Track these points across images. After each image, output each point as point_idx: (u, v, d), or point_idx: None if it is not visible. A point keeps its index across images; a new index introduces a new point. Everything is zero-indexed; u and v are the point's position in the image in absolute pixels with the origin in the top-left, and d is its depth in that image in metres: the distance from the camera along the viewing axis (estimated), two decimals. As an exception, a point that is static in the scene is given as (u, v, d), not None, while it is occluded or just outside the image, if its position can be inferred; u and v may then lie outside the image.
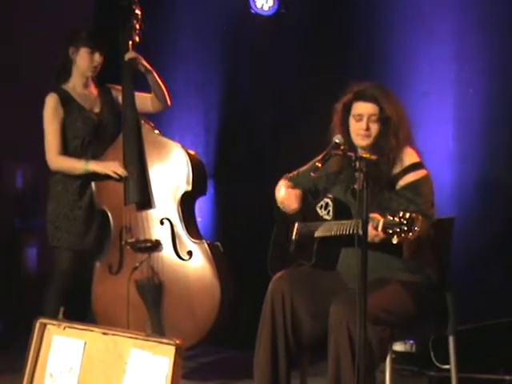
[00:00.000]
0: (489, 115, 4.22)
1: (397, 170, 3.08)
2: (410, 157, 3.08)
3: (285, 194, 3.29)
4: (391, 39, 4.43)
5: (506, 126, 4.18)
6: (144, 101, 4.01)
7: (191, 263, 3.87)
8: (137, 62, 3.92)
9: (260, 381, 3.09)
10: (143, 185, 3.91)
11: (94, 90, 4.02)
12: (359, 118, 3.09)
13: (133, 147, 3.92)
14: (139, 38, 3.98)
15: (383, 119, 3.06)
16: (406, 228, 2.66)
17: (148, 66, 3.95)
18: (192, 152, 4.03)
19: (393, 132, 3.07)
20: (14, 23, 5.01)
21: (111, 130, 3.99)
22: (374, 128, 3.08)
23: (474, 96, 4.25)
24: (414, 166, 3.06)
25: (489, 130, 4.22)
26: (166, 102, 4.05)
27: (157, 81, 3.98)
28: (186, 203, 3.96)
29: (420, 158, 3.10)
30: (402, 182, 3.05)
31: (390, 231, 2.69)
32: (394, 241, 2.69)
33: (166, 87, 4.03)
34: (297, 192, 3.26)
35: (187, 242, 3.89)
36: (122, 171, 3.88)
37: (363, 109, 3.08)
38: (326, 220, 3.17)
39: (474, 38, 4.26)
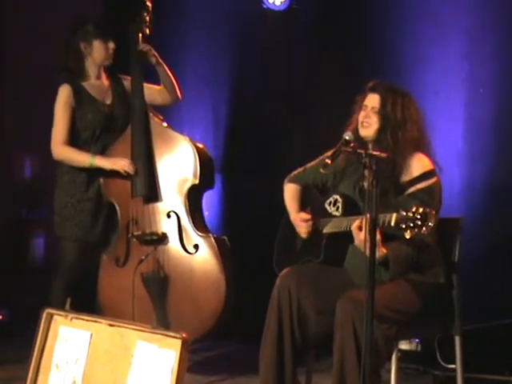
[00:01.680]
0: (499, 115, 4.20)
1: (405, 178, 3.06)
2: (419, 164, 3.05)
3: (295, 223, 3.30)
4: (403, 37, 4.42)
5: (515, 127, 4.17)
6: (153, 92, 4.00)
7: (197, 257, 3.86)
8: (149, 54, 3.91)
9: (265, 376, 3.08)
10: (150, 178, 3.91)
11: (105, 81, 4.01)
12: (365, 107, 3.14)
13: (141, 139, 3.91)
14: (149, 31, 3.97)
15: (383, 115, 3.08)
16: (419, 223, 2.64)
17: (159, 58, 3.95)
18: (200, 145, 4.03)
19: (391, 130, 3.07)
20: (24, 15, 5.02)
21: (122, 121, 3.98)
22: (374, 120, 3.10)
23: (485, 96, 4.23)
24: (425, 176, 3.04)
25: (498, 130, 4.21)
26: (176, 94, 4.04)
27: (167, 73, 3.97)
28: (193, 196, 3.95)
29: (433, 166, 3.07)
30: (412, 189, 3.03)
31: (403, 226, 2.68)
32: (407, 236, 2.68)
33: (176, 81, 4.03)
34: (305, 217, 3.26)
35: (193, 235, 3.88)
36: (131, 169, 3.86)
37: (369, 100, 3.14)
38: (335, 216, 3.16)
39: (486, 37, 4.24)
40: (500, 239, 4.09)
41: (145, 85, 3.96)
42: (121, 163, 3.86)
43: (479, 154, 4.25)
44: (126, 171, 3.87)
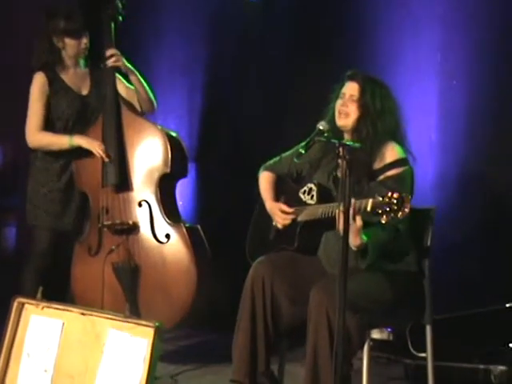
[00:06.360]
0: (472, 107, 4.22)
1: (377, 165, 3.06)
2: (392, 153, 3.06)
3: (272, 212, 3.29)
4: (377, 28, 4.43)
5: (488, 118, 4.18)
6: (131, 95, 3.95)
7: (168, 246, 3.84)
8: (119, 65, 3.85)
9: (238, 365, 3.08)
10: (121, 166, 3.87)
11: (84, 71, 3.97)
12: (343, 95, 3.13)
13: (112, 128, 3.87)
14: (122, 18, 3.94)
15: (363, 104, 3.08)
16: (395, 207, 2.64)
17: (130, 67, 3.89)
18: (173, 134, 4.00)
19: (370, 120, 3.07)
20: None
21: (98, 112, 3.92)
22: (353, 109, 3.09)
23: (458, 87, 4.25)
24: (397, 163, 3.04)
25: (471, 121, 4.23)
26: (151, 104, 3.96)
27: (140, 82, 3.91)
28: (165, 185, 3.92)
29: (405, 154, 3.08)
30: (383, 177, 3.04)
31: (380, 211, 2.68)
32: (383, 220, 2.67)
33: (151, 84, 3.96)
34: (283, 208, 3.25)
35: (164, 224, 3.86)
36: (104, 154, 3.81)
37: (348, 88, 3.13)
38: (310, 205, 3.16)
39: (460, 28, 4.25)
40: (472, 228, 4.13)
41: (123, 85, 3.92)
42: (97, 144, 3.82)
43: (452, 145, 4.27)
44: (98, 153, 3.82)
